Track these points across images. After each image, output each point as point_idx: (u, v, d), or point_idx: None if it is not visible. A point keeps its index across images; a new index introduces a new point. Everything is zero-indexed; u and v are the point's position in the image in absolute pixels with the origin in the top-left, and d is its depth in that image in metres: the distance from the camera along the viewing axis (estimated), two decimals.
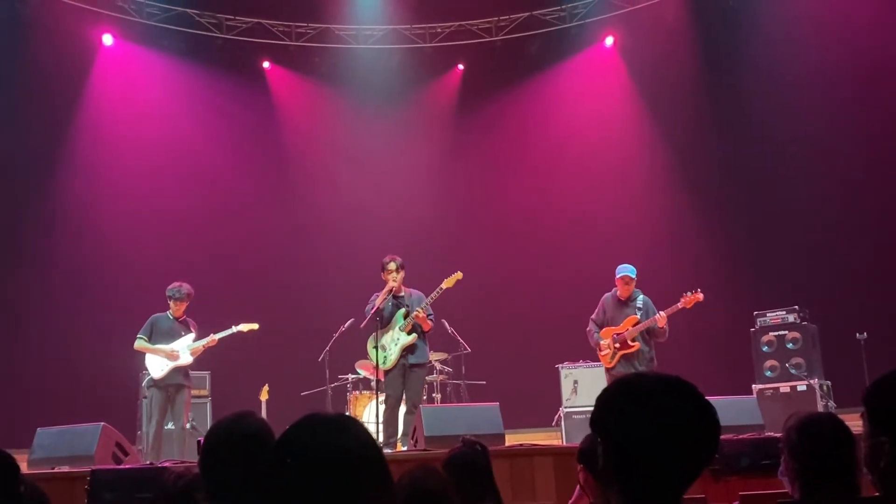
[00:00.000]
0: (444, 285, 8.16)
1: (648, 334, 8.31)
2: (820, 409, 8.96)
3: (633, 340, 8.22)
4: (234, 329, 8.77)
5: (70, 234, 12.09)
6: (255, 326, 8.90)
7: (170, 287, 8.66)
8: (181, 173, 12.73)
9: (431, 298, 8.19)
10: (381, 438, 7.97)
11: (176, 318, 8.65)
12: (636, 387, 1.74)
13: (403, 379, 8.19)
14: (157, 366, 8.48)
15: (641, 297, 8.36)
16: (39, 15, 11.83)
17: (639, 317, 8.22)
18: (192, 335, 8.65)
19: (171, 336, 8.59)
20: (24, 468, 6.39)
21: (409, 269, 8.36)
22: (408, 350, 8.17)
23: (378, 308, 8.15)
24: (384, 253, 8.53)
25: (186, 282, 8.76)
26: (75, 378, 11.11)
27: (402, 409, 8.30)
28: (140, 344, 8.53)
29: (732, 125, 12.34)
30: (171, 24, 12.76)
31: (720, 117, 12.47)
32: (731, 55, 12.37)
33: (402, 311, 8.22)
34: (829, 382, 9.77)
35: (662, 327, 8.12)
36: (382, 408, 8.54)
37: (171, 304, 8.63)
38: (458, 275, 8.19)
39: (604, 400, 1.74)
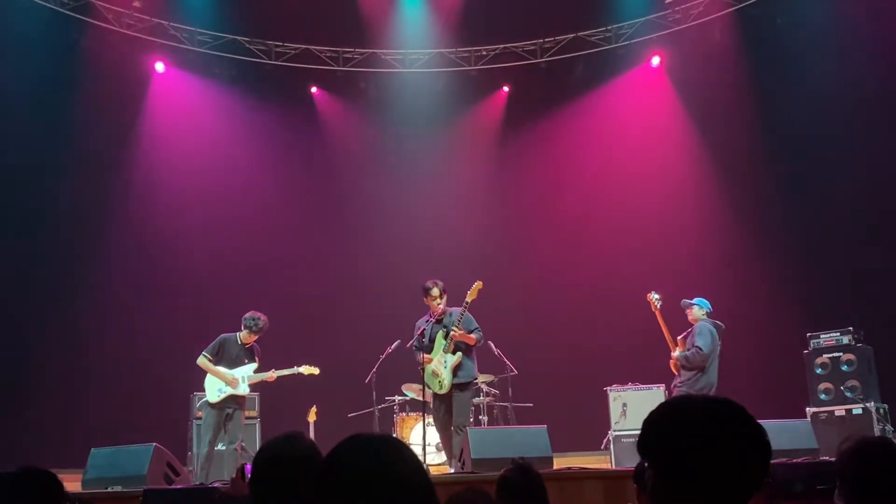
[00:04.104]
0: (468, 299, 8.12)
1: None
2: (876, 433, 8.75)
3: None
4: (296, 370, 8.83)
5: (125, 257, 12.33)
6: (316, 371, 8.92)
7: (248, 316, 8.70)
8: (231, 197, 12.94)
9: (460, 316, 8.13)
10: (428, 460, 7.96)
11: (244, 344, 8.74)
12: (684, 409, 1.72)
13: (449, 402, 8.17)
14: (214, 390, 8.57)
15: (700, 324, 8.70)
16: (95, 44, 12.16)
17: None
18: (254, 365, 8.73)
19: (235, 362, 8.67)
20: (78, 488, 6.53)
21: (456, 292, 8.37)
22: (456, 368, 8.15)
23: (423, 330, 8.17)
24: (430, 275, 8.54)
25: (231, 302, 8.83)
26: (128, 399, 11.29)
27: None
28: (203, 362, 8.61)
29: (782, 144, 12.17)
30: (222, 52, 13.02)
31: (769, 136, 12.30)
32: (780, 73, 12.20)
33: (442, 332, 8.22)
34: (885, 406, 9.53)
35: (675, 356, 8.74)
36: (430, 430, 8.52)
37: (245, 332, 8.70)
38: (479, 284, 8.16)
39: (651, 423, 1.73)
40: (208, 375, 8.62)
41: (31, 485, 2.27)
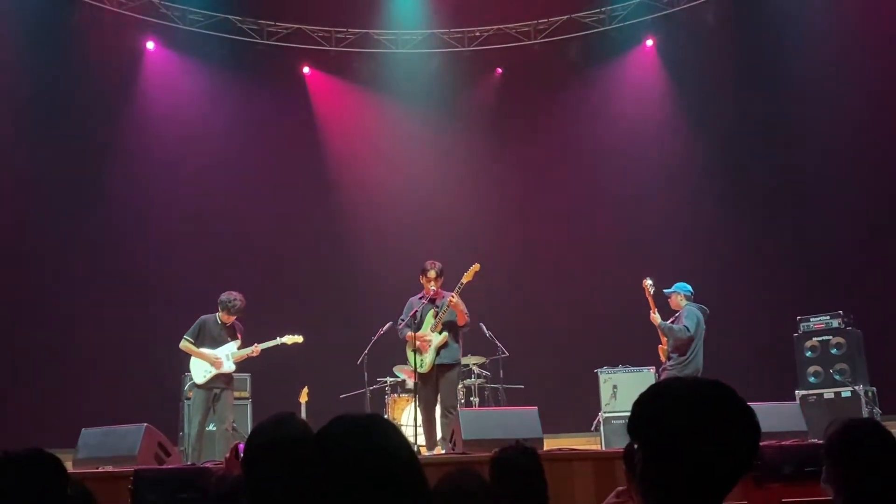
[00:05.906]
0: (463, 280, 8.06)
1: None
2: (864, 415, 8.81)
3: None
4: (279, 341, 8.78)
5: (115, 238, 12.28)
6: (300, 339, 8.89)
7: (225, 297, 8.62)
8: (222, 177, 12.88)
9: (454, 295, 8.08)
10: (419, 441, 7.97)
11: (224, 324, 8.72)
12: (673, 391, 1.72)
13: (436, 382, 8.17)
14: (199, 371, 8.55)
15: (686, 308, 8.62)
16: (86, 23, 12.05)
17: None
18: (237, 342, 8.70)
19: (218, 341, 8.63)
20: (68, 467, 6.52)
21: (447, 272, 8.36)
22: (440, 348, 8.14)
23: (416, 311, 8.15)
24: (422, 256, 8.53)
25: (222, 282, 8.79)
26: (119, 379, 11.28)
27: (437, 412, 8.30)
28: (185, 345, 8.59)
29: (775, 128, 12.18)
30: (214, 31, 12.94)
31: (762, 120, 12.31)
32: (773, 57, 12.20)
33: (432, 311, 8.21)
34: (874, 389, 9.60)
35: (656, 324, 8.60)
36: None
37: (222, 312, 8.68)
38: (476, 266, 8.11)
39: (640, 404, 1.73)
40: (192, 357, 8.61)
41: (37, 467, 2.26)
